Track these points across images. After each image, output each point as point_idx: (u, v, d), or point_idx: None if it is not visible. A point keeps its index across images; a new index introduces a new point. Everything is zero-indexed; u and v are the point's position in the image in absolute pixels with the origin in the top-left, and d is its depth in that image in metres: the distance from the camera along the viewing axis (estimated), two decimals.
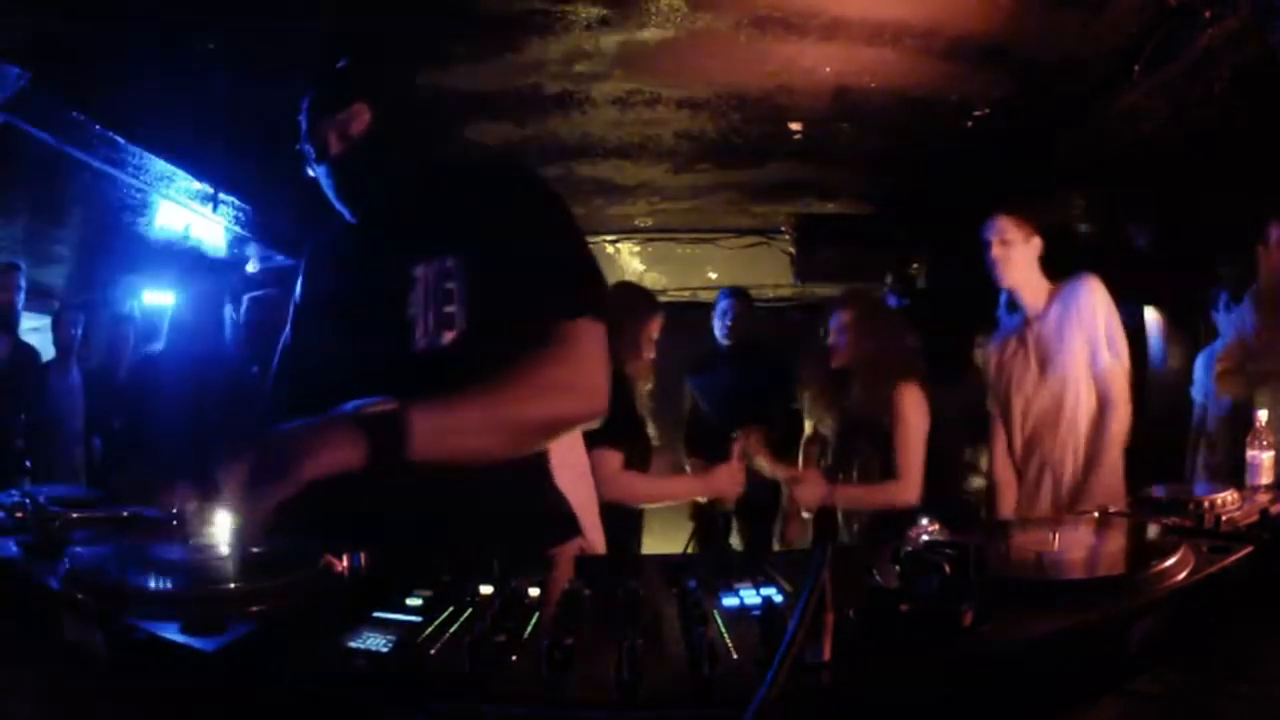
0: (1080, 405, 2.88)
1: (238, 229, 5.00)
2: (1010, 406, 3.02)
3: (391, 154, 1.57)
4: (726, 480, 2.86)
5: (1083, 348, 2.87)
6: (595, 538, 1.70)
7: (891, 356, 3.13)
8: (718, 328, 4.48)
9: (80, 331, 4.53)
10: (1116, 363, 2.86)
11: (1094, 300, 2.89)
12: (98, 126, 3.69)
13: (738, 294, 4.54)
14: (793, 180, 5.07)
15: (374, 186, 1.57)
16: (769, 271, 6.06)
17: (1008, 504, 3.02)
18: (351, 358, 1.53)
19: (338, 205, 1.61)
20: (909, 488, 2.98)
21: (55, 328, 4.54)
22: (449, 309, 1.46)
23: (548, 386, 1.41)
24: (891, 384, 3.06)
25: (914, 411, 3.04)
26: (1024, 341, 3.00)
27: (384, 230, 1.59)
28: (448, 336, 1.45)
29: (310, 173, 1.61)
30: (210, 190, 4.60)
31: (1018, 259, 2.98)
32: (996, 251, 2.98)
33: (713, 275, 6.11)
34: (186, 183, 4.41)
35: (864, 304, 3.31)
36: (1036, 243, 3.00)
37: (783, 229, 6.06)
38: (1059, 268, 3.04)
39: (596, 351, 1.45)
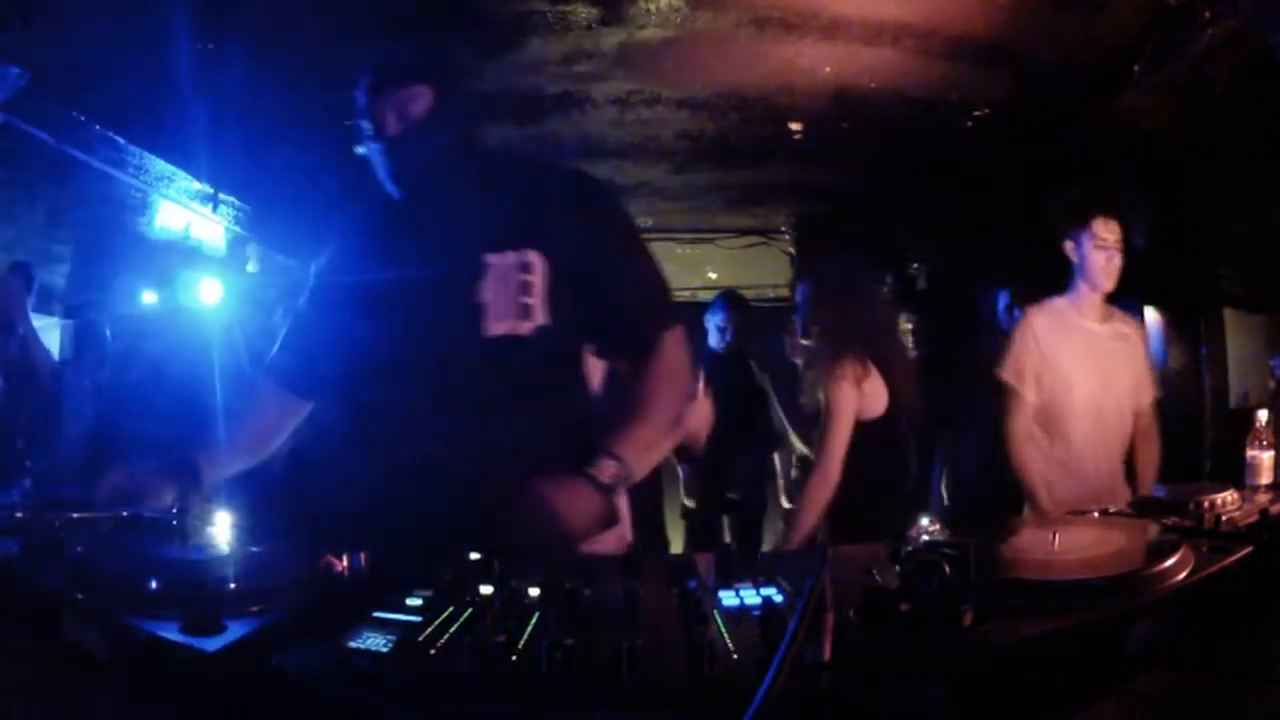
0: (1127, 423, 2.95)
1: (238, 229, 5.00)
2: (1063, 395, 2.93)
3: (449, 138, 1.58)
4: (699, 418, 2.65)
5: (1135, 376, 2.95)
6: (626, 527, 1.78)
7: (838, 331, 2.96)
8: (714, 338, 4.42)
9: (109, 340, 4.52)
10: (1152, 399, 2.99)
11: (1144, 343, 2.99)
12: (98, 126, 3.69)
13: (734, 303, 4.45)
14: (793, 180, 5.07)
15: (432, 169, 1.58)
16: (769, 271, 6.06)
17: (1037, 473, 2.91)
18: (407, 336, 1.57)
19: (387, 184, 1.60)
20: (824, 474, 2.80)
21: (75, 331, 4.53)
22: (526, 300, 1.52)
23: (679, 390, 1.65)
24: (834, 363, 2.88)
25: (842, 391, 2.85)
26: (1081, 336, 2.94)
27: (447, 215, 1.61)
28: (525, 327, 1.51)
29: (359, 149, 1.62)
30: (210, 190, 4.60)
31: (1120, 265, 2.92)
32: (1115, 258, 2.90)
33: (713, 275, 6.11)
34: (186, 183, 4.41)
35: (823, 277, 3.20)
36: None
37: (783, 229, 6.06)
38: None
39: (687, 352, 1.67)
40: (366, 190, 1.66)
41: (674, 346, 1.64)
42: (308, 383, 1.73)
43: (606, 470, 1.46)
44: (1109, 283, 2.91)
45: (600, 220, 1.64)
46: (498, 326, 1.52)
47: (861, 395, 2.89)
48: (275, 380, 1.74)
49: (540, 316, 1.52)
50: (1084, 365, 2.92)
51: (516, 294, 1.52)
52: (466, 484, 1.46)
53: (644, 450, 1.54)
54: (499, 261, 1.54)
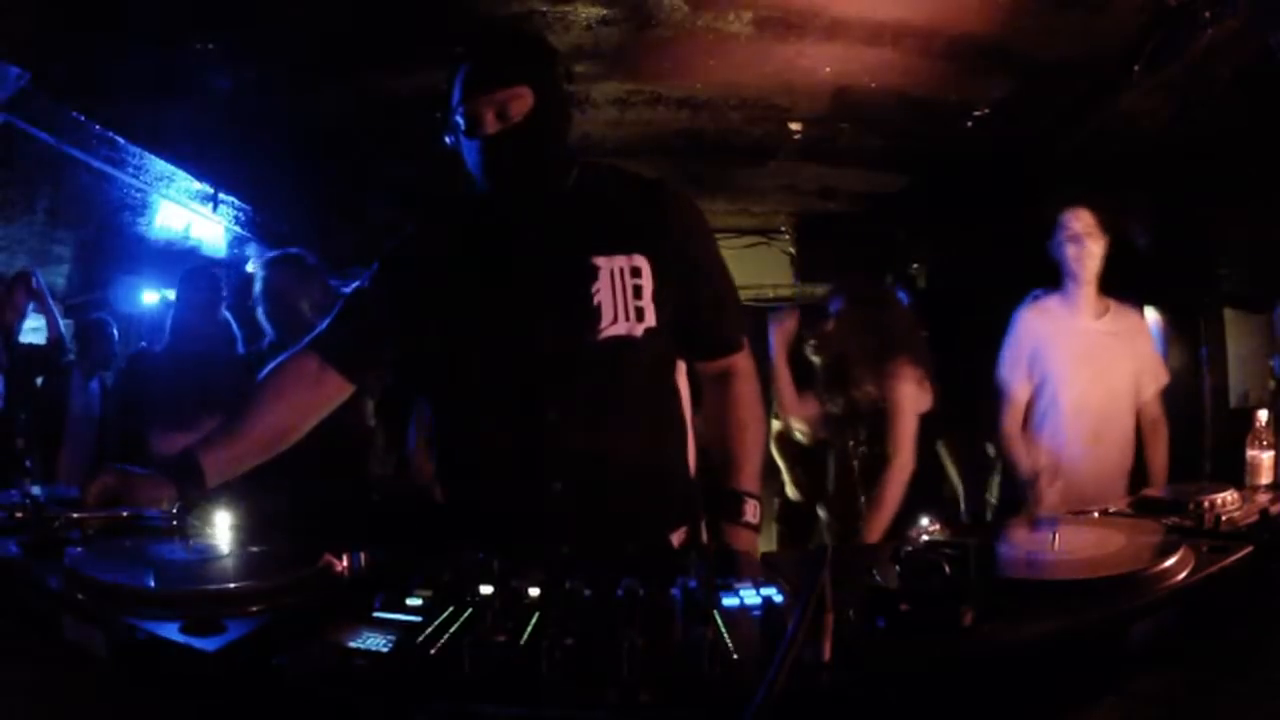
0: (1127, 420, 2.93)
1: (238, 229, 5.00)
2: (1053, 393, 2.95)
3: (550, 140, 1.58)
4: None
5: (1136, 369, 2.94)
6: None
7: (885, 340, 3.16)
8: None
9: (116, 338, 4.51)
10: (1161, 389, 2.98)
11: (1147, 333, 3.00)
12: (98, 126, 3.69)
13: None
14: (793, 180, 5.07)
15: (535, 170, 1.57)
16: (769, 271, 6.06)
17: (1031, 467, 2.93)
18: (525, 336, 1.57)
19: (481, 181, 1.58)
20: (903, 465, 3.04)
21: (84, 331, 4.52)
22: (639, 303, 1.56)
23: (762, 406, 1.79)
24: (886, 366, 3.09)
25: (906, 392, 3.09)
26: (1073, 334, 2.95)
27: (548, 215, 1.61)
28: (639, 329, 1.55)
29: (448, 140, 1.59)
30: (210, 190, 4.60)
31: (1098, 255, 2.90)
32: (1088, 245, 2.88)
33: None
34: (186, 183, 4.41)
35: (859, 291, 3.34)
36: (1105, 243, 2.93)
37: (783, 229, 6.06)
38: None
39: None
40: (444, 182, 1.66)
41: (748, 359, 1.77)
42: (358, 365, 1.69)
43: (752, 510, 1.66)
44: (1085, 273, 2.91)
45: (696, 228, 1.69)
46: (612, 328, 1.54)
47: (923, 392, 3.11)
48: (322, 356, 1.67)
49: (651, 319, 1.56)
50: (1076, 362, 2.93)
51: (630, 296, 1.55)
52: (579, 484, 1.53)
53: (759, 476, 1.72)
54: (609, 264, 1.56)
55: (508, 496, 1.57)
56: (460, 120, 1.54)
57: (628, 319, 1.55)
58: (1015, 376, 3.00)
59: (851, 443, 3.36)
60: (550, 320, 1.56)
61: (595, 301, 1.55)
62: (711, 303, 1.69)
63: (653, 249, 1.59)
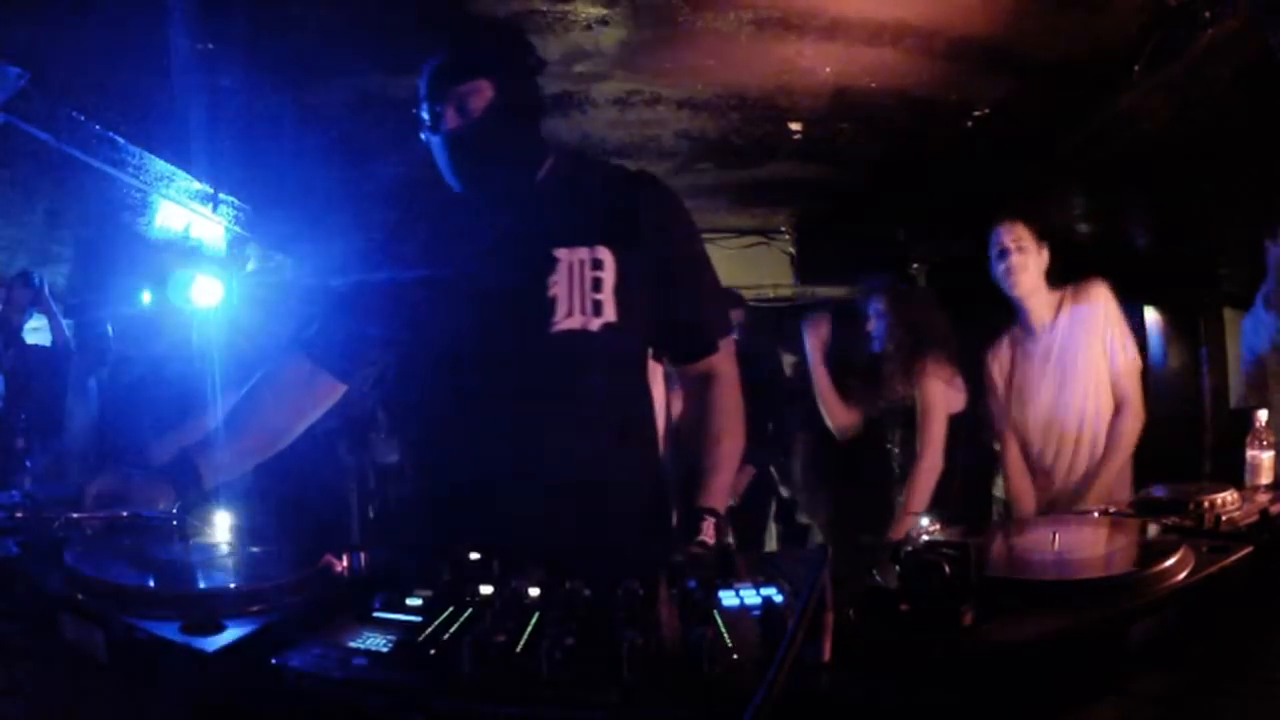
0: (1099, 409, 2.88)
1: (238, 229, 5.00)
2: (1024, 415, 2.98)
3: (512, 134, 1.57)
4: None
5: (1099, 352, 2.89)
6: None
7: (920, 338, 3.23)
8: None
9: (110, 337, 4.50)
10: (1130, 362, 2.89)
11: (1105, 304, 2.91)
12: (98, 126, 3.69)
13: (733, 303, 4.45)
14: (793, 180, 5.07)
15: (496, 164, 1.57)
16: (769, 271, 6.05)
17: (1028, 510, 2.97)
18: (471, 327, 1.56)
19: (447, 176, 1.59)
20: (931, 466, 3.08)
21: (79, 331, 4.52)
22: (597, 297, 1.52)
23: (742, 418, 1.70)
24: (916, 365, 3.17)
25: (937, 390, 3.15)
26: (1034, 350, 2.96)
27: (511, 208, 1.60)
28: (595, 323, 1.51)
29: (422, 137, 1.60)
30: (210, 190, 4.59)
31: (1032, 268, 2.93)
32: (1014, 259, 2.92)
33: None
34: (186, 183, 4.41)
35: (895, 290, 3.41)
36: (1045, 252, 2.97)
37: (783, 229, 6.05)
38: (1060, 269, 3.03)
39: (737, 366, 1.72)
40: (426, 178, 1.65)
41: (730, 362, 1.70)
42: (347, 365, 1.69)
43: (710, 529, 1.54)
44: (1021, 288, 2.94)
45: (675, 223, 1.65)
46: (566, 321, 1.52)
47: (954, 391, 3.19)
48: (313, 358, 1.67)
49: (610, 313, 1.52)
50: (1040, 379, 2.95)
51: (588, 289, 1.52)
52: (537, 484, 1.50)
53: (727, 492, 1.64)
54: (569, 256, 1.53)
55: (465, 493, 1.55)
56: (425, 115, 1.56)
57: (584, 312, 1.52)
58: (1000, 411, 3.06)
59: (888, 445, 3.38)
60: (506, 313, 1.55)
61: (551, 294, 1.52)
62: (688, 301, 1.64)
63: (620, 242, 1.55)
